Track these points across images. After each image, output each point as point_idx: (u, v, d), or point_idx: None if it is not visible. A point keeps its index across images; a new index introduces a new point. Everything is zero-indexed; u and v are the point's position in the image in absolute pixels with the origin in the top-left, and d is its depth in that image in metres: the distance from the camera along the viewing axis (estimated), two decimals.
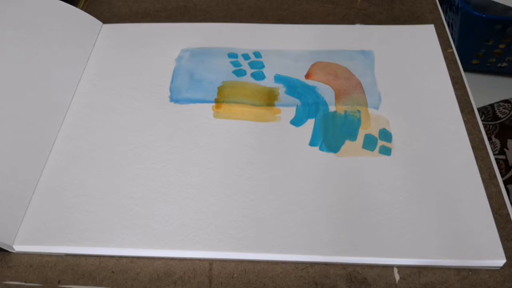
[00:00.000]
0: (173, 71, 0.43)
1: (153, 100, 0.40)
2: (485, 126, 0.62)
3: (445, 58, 0.42)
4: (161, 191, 0.34)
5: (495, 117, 0.65)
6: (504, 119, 0.64)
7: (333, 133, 0.37)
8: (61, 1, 0.45)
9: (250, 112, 0.39)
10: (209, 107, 0.40)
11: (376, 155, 0.36)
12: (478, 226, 0.31)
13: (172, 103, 0.40)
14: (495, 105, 0.67)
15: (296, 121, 0.38)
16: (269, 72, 0.42)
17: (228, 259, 0.31)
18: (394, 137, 0.37)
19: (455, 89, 0.40)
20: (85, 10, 0.49)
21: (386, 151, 0.36)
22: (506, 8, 0.88)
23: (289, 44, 0.45)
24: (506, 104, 0.66)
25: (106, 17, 0.49)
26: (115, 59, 0.44)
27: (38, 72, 0.40)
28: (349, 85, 0.41)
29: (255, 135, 0.37)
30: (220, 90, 0.41)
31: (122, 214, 0.33)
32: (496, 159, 0.55)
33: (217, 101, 0.40)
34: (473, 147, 0.36)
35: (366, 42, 0.44)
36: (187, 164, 0.36)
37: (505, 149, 0.60)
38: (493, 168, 0.35)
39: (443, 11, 0.49)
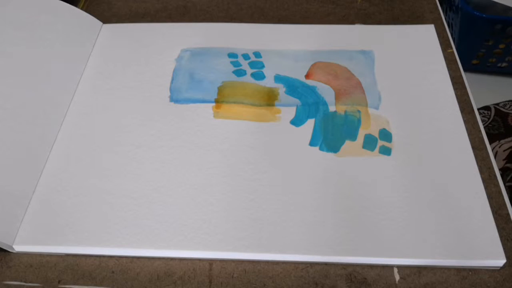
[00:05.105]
0: (173, 71, 0.43)
1: (153, 100, 0.40)
2: None
3: (445, 58, 0.42)
4: (161, 191, 0.34)
5: None
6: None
7: (333, 133, 0.37)
8: (61, 1, 0.45)
9: (250, 112, 0.39)
10: (209, 107, 0.40)
11: (376, 155, 0.36)
12: (478, 226, 0.31)
13: (172, 103, 0.40)
14: None
15: (296, 121, 0.38)
16: (269, 72, 0.42)
17: (228, 259, 0.31)
18: (394, 137, 0.37)
19: (455, 89, 0.40)
20: (85, 10, 0.49)
21: (386, 151, 0.36)
22: (506, 8, 0.88)
23: (289, 44, 0.44)
24: (485, 112, 0.66)
25: (106, 17, 0.49)
26: (115, 59, 0.44)
27: (38, 72, 0.40)
28: (349, 85, 0.41)
29: (255, 135, 0.37)
30: (220, 90, 0.41)
31: (122, 214, 0.33)
32: None
33: (217, 101, 0.40)
34: (473, 147, 0.36)
35: (366, 42, 0.44)
36: (187, 164, 0.36)
37: None
38: (493, 168, 0.35)
39: (443, 11, 0.49)
